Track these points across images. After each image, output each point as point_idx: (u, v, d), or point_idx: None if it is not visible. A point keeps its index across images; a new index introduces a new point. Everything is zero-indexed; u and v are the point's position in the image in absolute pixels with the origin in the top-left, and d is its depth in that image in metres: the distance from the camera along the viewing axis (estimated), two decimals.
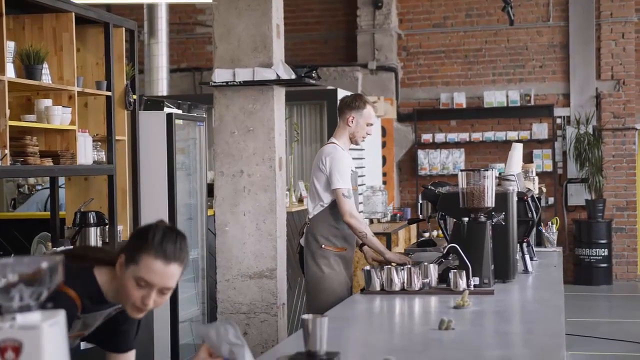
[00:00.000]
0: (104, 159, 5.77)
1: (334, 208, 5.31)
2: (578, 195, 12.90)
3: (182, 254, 2.70)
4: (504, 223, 4.65)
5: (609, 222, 12.67)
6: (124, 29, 6.10)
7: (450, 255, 4.57)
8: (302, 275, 7.75)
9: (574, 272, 12.77)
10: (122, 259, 2.69)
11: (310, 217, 5.47)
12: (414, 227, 11.66)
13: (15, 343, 1.77)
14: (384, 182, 12.53)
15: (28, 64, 4.99)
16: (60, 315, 1.85)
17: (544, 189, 10.83)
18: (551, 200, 12.88)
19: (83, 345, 4.87)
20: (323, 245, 5.35)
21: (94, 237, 5.61)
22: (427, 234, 12.39)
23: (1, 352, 1.77)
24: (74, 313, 2.68)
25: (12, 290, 1.81)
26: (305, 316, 2.80)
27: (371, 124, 5.46)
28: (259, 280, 5.92)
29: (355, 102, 5.45)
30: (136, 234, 2.76)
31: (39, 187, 8.39)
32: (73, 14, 5.38)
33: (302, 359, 2.81)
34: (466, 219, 4.53)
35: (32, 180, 8.22)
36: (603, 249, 12.54)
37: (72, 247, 5.15)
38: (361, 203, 10.31)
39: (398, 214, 11.56)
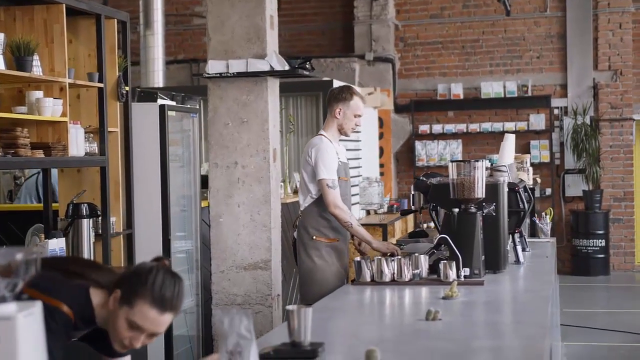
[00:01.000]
0: (96, 151, 5.76)
1: (323, 199, 5.33)
2: (575, 186, 12.90)
3: (178, 302, 2.70)
4: (494, 214, 4.66)
5: (606, 213, 12.67)
6: (115, 20, 6.08)
7: (442, 246, 4.57)
8: (297, 267, 7.78)
9: (571, 263, 12.78)
10: (117, 294, 2.67)
11: (301, 209, 5.50)
12: (410, 218, 11.67)
13: None
14: (382, 174, 12.54)
15: (18, 56, 4.98)
16: (36, 307, 1.85)
17: (539, 180, 10.82)
18: (548, 191, 12.88)
19: None
20: (314, 237, 5.38)
21: (87, 228, 5.61)
22: (424, 225, 12.41)
23: None
24: (68, 330, 2.68)
25: None
26: (289, 307, 2.82)
27: (359, 115, 5.47)
28: (254, 272, 5.92)
29: (342, 93, 5.47)
30: (135, 273, 2.71)
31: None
32: (64, 5, 5.36)
33: (286, 349, 2.83)
34: (456, 209, 4.54)
35: (28, 172, 8.21)
36: (600, 240, 12.55)
37: (69, 257, 5.10)
38: (357, 194, 10.32)
39: (395, 205, 11.56)
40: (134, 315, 2.64)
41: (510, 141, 5.75)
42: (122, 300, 2.66)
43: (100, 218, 5.77)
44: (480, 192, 4.52)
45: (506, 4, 9.98)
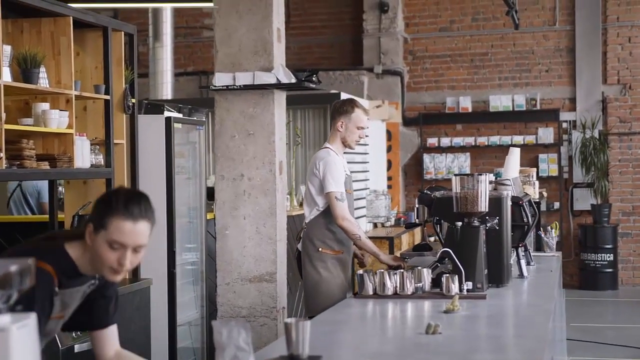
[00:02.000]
0: (102, 163, 5.79)
1: (330, 212, 5.36)
2: (584, 200, 12.87)
3: (147, 212, 2.79)
4: (497, 227, 4.65)
5: (614, 227, 12.63)
6: (122, 32, 6.12)
7: (445, 259, 4.56)
8: (302, 279, 7.78)
9: (580, 277, 12.73)
10: (90, 228, 2.78)
11: (306, 221, 5.52)
12: (418, 231, 11.66)
13: None
14: (390, 186, 12.54)
15: (25, 68, 5.02)
16: (31, 318, 1.87)
17: (545, 194, 10.79)
18: (557, 204, 12.85)
19: (78, 348, 4.91)
20: (320, 249, 5.40)
21: None
22: (432, 239, 12.39)
23: None
24: (52, 288, 2.76)
25: None
26: (287, 320, 2.83)
27: (362, 128, 5.52)
28: (259, 284, 5.93)
29: (344, 106, 5.52)
30: (99, 202, 2.83)
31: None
32: (71, 18, 5.40)
33: None
34: (460, 223, 4.53)
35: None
36: (609, 254, 12.51)
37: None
38: (363, 207, 10.32)
39: (402, 218, 11.55)
40: (111, 235, 2.73)
41: (515, 155, 5.75)
42: (96, 229, 2.76)
43: None
44: (483, 205, 4.51)
45: (514, 17, 9.99)
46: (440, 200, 4.81)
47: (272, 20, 6.31)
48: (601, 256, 12.49)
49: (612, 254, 12.51)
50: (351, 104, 5.55)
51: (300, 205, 8.26)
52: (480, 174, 4.56)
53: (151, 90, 11.16)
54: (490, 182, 5.03)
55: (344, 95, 10.53)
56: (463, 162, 13.18)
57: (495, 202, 4.67)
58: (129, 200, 2.76)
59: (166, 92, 11.00)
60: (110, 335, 3.09)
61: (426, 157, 13.26)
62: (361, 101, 10.25)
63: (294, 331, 2.81)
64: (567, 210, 12.99)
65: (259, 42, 6.24)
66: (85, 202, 5.89)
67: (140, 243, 2.77)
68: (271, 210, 6.16)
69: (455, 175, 4.60)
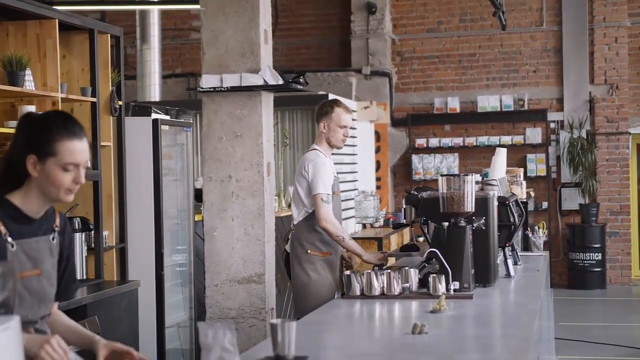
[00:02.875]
0: (89, 165, 5.78)
1: None
2: (572, 200, 12.91)
3: (83, 129, 2.86)
4: (484, 228, 4.67)
5: (602, 227, 12.68)
6: (109, 35, 6.11)
7: (432, 259, 4.57)
8: (291, 280, 7.78)
9: (568, 277, 12.77)
10: (32, 158, 2.77)
11: (294, 223, 5.53)
12: (407, 231, 11.67)
13: None
14: (378, 187, 12.55)
15: (10, 71, 5.01)
16: (14, 321, 1.87)
17: (532, 194, 10.82)
18: (545, 204, 12.89)
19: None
20: (309, 251, 5.42)
21: (79, 243, 5.62)
22: (421, 239, 12.40)
23: None
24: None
25: None
26: (273, 321, 2.83)
27: (344, 126, 5.54)
28: (248, 285, 5.92)
29: (324, 108, 5.59)
30: (34, 130, 2.80)
31: None
32: (57, 20, 5.40)
33: None
34: (446, 223, 4.54)
35: None
36: (597, 253, 12.55)
37: None
38: (352, 208, 10.33)
39: (391, 219, 11.56)
40: (63, 158, 2.77)
41: (501, 155, 5.77)
42: (42, 158, 2.77)
43: (92, 232, 5.78)
44: (469, 206, 4.53)
45: (502, 18, 10.02)
46: (427, 200, 4.82)
47: (259, 22, 6.31)
48: (589, 255, 12.53)
49: (600, 253, 12.55)
50: (331, 104, 5.60)
51: (289, 206, 8.27)
52: (467, 174, 4.57)
53: (139, 93, 11.15)
54: (477, 183, 5.04)
55: (332, 97, 10.54)
56: (451, 162, 13.20)
57: (482, 202, 4.68)
58: (67, 121, 2.81)
59: (154, 94, 10.99)
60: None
61: (415, 158, 13.28)
62: (349, 102, 10.29)
63: (280, 332, 2.81)
64: (555, 210, 13.03)
65: (246, 43, 6.24)
66: (72, 204, 5.88)
67: (87, 158, 2.84)
68: (259, 212, 6.16)
69: (442, 175, 4.61)
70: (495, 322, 3.97)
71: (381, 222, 10.92)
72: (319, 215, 5.30)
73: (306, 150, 10.28)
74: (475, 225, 4.60)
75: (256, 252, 6.14)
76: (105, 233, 5.91)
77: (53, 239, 2.93)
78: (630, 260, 13.01)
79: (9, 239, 2.77)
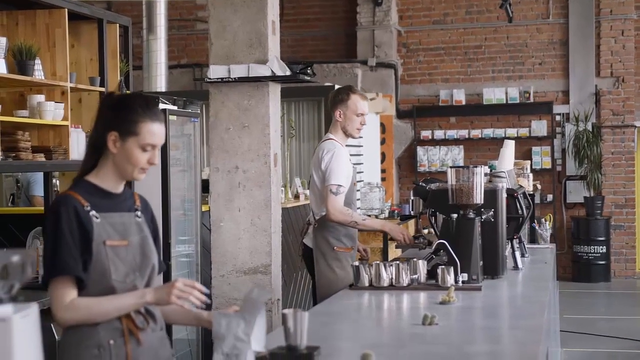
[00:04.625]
0: None
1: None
2: (577, 193, 12.91)
3: (162, 113, 3.01)
4: (492, 219, 4.66)
5: (607, 219, 12.68)
6: (117, 25, 6.11)
7: (440, 251, 4.57)
8: (297, 272, 7.78)
9: (573, 269, 12.78)
10: (114, 135, 2.89)
11: (317, 217, 5.42)
12: (412, 223, 11.68)
13: None
14: (383, 179, 12.55)
15: (20, 60, 5.01)
16: (32, 308, 1.87)
17: (539, 186, 10.83)
18: (550, 197, 12.88)
19: None
20: (335, 247, 5.33)
21: None
22: (425, 231, 12.40)
23: None
24: (75, 205, 2.84)
25: None
26: (285, 311, 2.83)
27: (361, 114, 5.41)
28: (254, 276, 5.93)
29: (339, 95, 5.45)
30: (119, 108, 2.92)
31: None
32: (66, 10, 5.40)
33: (282, 353, 2.84)
34: (455, 215, 4.54)
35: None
36: (601, 246, 12.55)
37: None
38: (358, 200, 10.33)
39: (397, 211, 11.56)
40: (144, 139, 2.89)
41: (509, 147, 5.76)
42: (123, 136, 2.89)
43: None
44: (478, 197, 4.53)
45: (508, 10, 10.01)
46: (436, 192, 4.82)
47: (267, 12, 6.31)
48: (594, 248, 12.54)
49: (605, 246, 12.56)
50: (346, 91, 5.48)
51: (295, 197, 8.27)
52: (476, 166, 4.56)
53: (145, 83, 11.14)
54: (485, 175, 5.04)
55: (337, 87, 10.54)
56: (457, 154, 13.20)
57: (491, 194, 4.68)
58: (150, 104, 2.94)
59: (160, 84, 10.98)
60: None
61: (420, 150, 13.27)
62: None
63: (292, 322, 2.81)
64: (560, 202, 13.03)
65: (254, 34, 6.23)
66: None
67: (163, 141, 2.96)
68: (266, 203, 6.16)
69: (451, 167, 4.60)
70: (505, 314, 3.97)
71: (386, 213, 10.92)
72: (327, 209, 5.23)
73: (311, 140, 10.37)
74: (484, 217, 4.60)
75: (263, 243, 6.14)
76: None
77: (137, 216, 3.03)
78: (635, 254, 13.01)
79: (93, 212, 2.87)
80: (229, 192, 5.98)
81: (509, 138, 12.61)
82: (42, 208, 6.02)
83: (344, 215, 5.22)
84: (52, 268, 2.83)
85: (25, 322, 1.83)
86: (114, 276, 2.85)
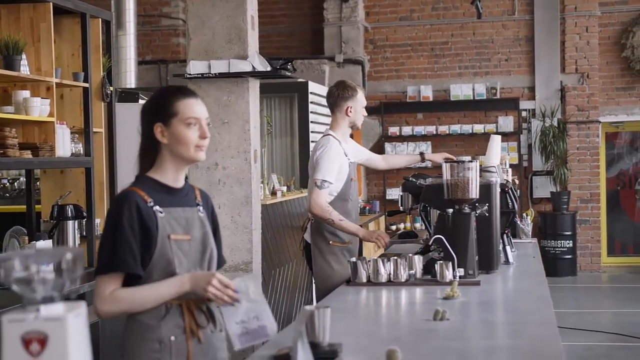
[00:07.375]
0: (82, 152, 5.69)
1: (338, 202, 5.28)
2: (543, 188, 13.03)
3: (193, 91, 3.07)
4: (487, 214, 4.67)
5: (573, 214, 12.81)
6: (100, 19, 6.02)
7: (433, 246, 4.57)
8: (275, 269, 7.74)
9: None
10: (159, 127, 2.95)
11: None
12: (382, 219, 11.71)
13: (40, 335, 1.75)
14: None
15: (7, 55, 4.91)
16: (82, 307, 1.83)
17: (517, 181, 10.91)
18: (517, 192, 12.96)
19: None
20: (331, 242, 5.31)
21: (72, 230, 5.54)
22: (402, 226, 12.45)
23: (26, 344, 1.74)
24: (136, 200, 2.87)
25: (35, 282, 1.79)
26: (308, 307, 2.80)
27: (364, 106, 5.55)
28: (235, 274, 5.89)
29: (347, 91, 5.46)
30: (152, 104, 3.01)
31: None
32: (51, 4, 5.29)
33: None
34: (450, 210, 4.54)
35: (14, 173, 8.09)
36: (568, 241, 12.68)
37: None
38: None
39: (367, 207, 11.58)
40: (184, 114, 2.93)
41: (496, 142, 5.78)
42: (166, 121, 2.94)
43: (85, 219, 5.70)
44: (474, 192, 4.53)
45: (478, 7, 10.04)
46: (430, 187, 4.81)
47: (247, 7, 6.27)
48: (560, 243, 12.66)
49: (571, 241, 12.69)
50: (352, 87, 5.52)
51: (272, 194, 8.23)
52: (471, 161, 4.57)
53: (115, 79, 10.99)
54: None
55: (312, 84, 10.53)
56: (425, 150, 13.23)
57: (485, 189, 4.69)
58: (178, 87, 3.03)
59: (130, 80, 10.85)
60: None
61: (388, 146, 13.30)
62: (322, 89, 10.25)
63: (316, 319, 2.78)
64: (527, 197, 13.14)
65: (233, 29, 6.20)
66: (62, 192, 5.79)
67: (206, 114, 3.00)
68: (246, 199, 6.13)
69: (446, 162, 4.60)
70: (511, 309, 3.96)
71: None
72: (309, 201, 5.23)
73: (285, 137, 10.32)
74: (478, 211, 4.60)
75: (243, 240, 6.11)
76: (97, 220, 5.83)
77: (200, 212, 3.03)
78: (600, 248, 13.17)
79: (157, 207, 2.89)
80: (209, 189, 5.93)
81: (477, 134, 12.70)
82: (23, 207, 5.91)
83: (323, 211, 5.19)
84: (109, 263, 2.85)
85: (77, 320, 1.79)
86: (177, 270, 2.87)
